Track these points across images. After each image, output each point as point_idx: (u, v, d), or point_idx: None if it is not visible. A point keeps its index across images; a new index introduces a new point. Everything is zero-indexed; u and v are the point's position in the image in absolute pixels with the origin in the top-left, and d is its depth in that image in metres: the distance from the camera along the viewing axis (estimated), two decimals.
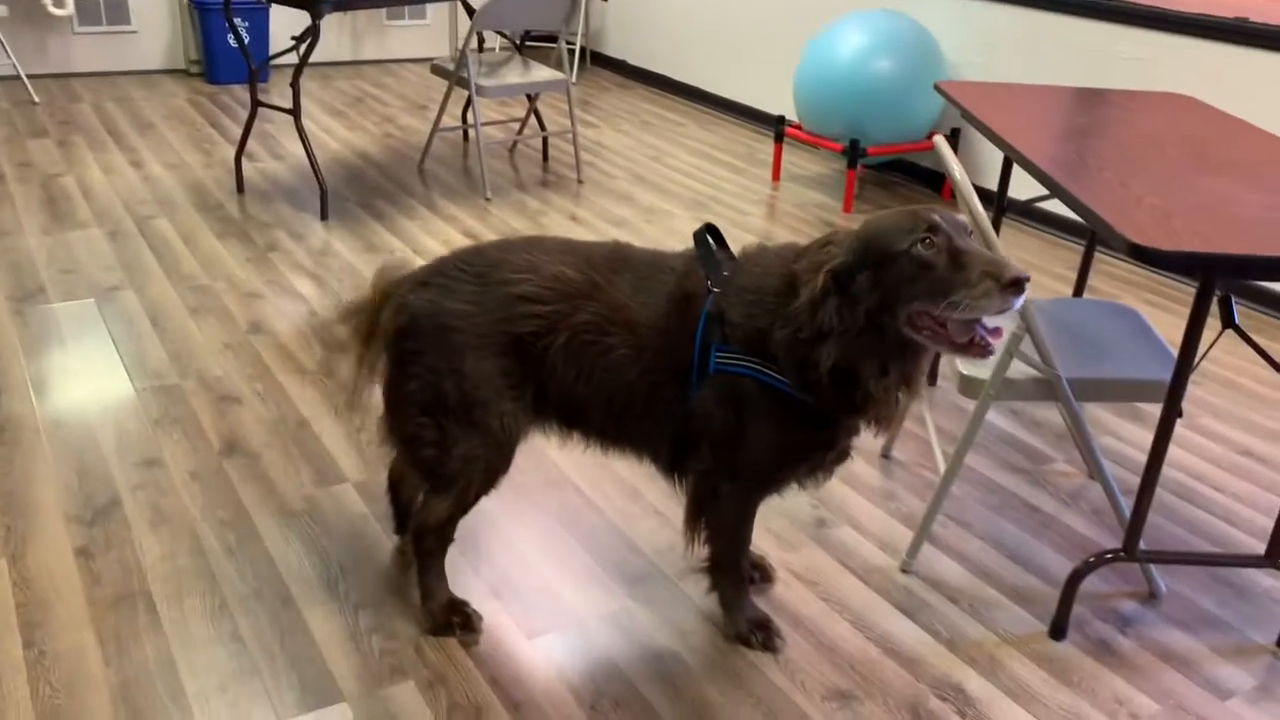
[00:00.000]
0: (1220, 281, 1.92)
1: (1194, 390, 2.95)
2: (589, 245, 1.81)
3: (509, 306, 1.71)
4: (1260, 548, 1.94)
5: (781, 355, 1.62)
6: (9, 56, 5.22)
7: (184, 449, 2.43)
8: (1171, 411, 1.79)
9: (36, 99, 5.25)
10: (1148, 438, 2.69)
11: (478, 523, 2.21)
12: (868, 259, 1.54)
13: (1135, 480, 2.49)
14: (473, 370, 1.71)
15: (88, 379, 2.70)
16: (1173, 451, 2.64)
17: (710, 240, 1.75)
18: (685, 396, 1.71)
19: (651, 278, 1.73)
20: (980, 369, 2.01)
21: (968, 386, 2.02)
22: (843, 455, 1.79)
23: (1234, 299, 1.91)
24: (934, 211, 1.53)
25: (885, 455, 2.57)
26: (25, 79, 5.27)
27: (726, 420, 1.70)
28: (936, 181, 4.64)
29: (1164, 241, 1.59)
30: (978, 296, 1.46)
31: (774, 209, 4.34)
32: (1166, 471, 2.55)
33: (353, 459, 2.42)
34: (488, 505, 2.25)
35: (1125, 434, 2.72)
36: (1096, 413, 2.82)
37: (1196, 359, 1.79)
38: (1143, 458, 2.59)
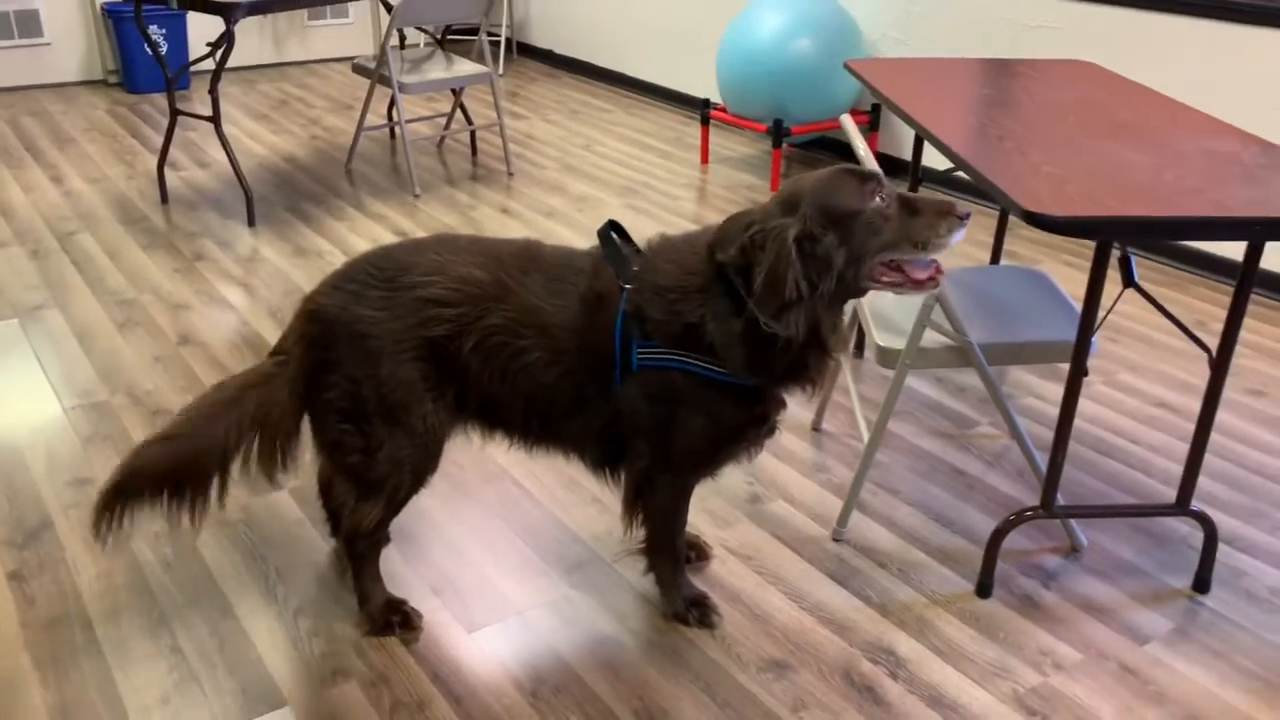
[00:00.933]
0: (1120, 242, 1.99)
1: (1112, 347, 3.04)
2: (499, 244, 1.82)
3: (419, 310, 1.72)
4: (1174, 496, 2.02)
5: (722, 342, 1.64)
6: None
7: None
8: (1077, 371, 1.85)
9: None
10: None
11: (415, 521, 2.23)
12: (829, 220, 1.57)
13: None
14: (389, 375, 1.72)
15: (13, 401, 2.67)
16: (1091, 408, 2.73)
17: (615, 237, 1.77)
18: (609, 395, 1.73)
19: (562, 278, 1.74)
20: (895, 339, 2.06)
21: (884, 357, 2.07)
22: (772, 428, 1.83)
23: (1141, 256, 1.97)
24: (858, 167, 1.62)
25: (815, 428, 2.63)
26: None
27: (657, 414, 1.73)
28: None
29: (1057, 208, 1.65)
30: (942, 234, 1.58)
31: (704, 192, 4.37)
32: (1085, 427, 2.63)
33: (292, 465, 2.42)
34: (425, 503, 2.27)
35: (1047, 393, 2.80)
36: (1019, 374, 2.90)
37: (1099, 319, 1.85)
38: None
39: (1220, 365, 1.86)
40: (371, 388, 1.73)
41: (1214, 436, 2.58)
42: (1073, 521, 2.14)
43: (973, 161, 1.87)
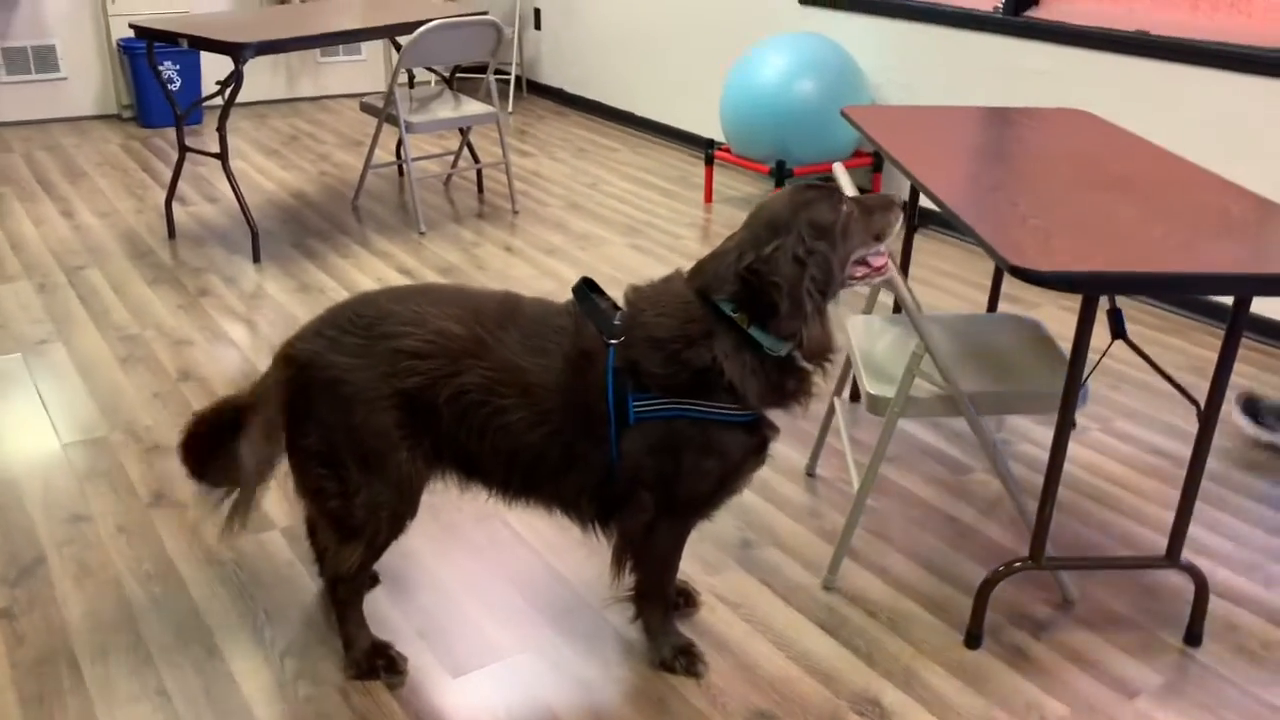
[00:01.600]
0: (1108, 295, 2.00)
1: (1109, 394, 3.03)
2: (480, 296, 1.83)
3: (393, 360, 1.72)
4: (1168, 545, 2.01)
5: (740, 379, 1.68)
6: None
7: (111, 502, 2.43)
8: (1064, 423, 1.85)
9: None
10: (1069, 445, 2.77)
11: (403, 562, 2.23)
12: (818, 233, 1.68)
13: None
14: (363, 423, 1.73)
15: (13, 436, 2.69)
16: (1086, 455, 2.72)
17: (589, 293, 1.78)
18: (603, 452, 1.74)
19: (542, 336, 1.75)
20: (886, 387, 2.07)
21: (875, 405, 2.08)
22: (764, 457, 1.86)
23: (1139, 301, 1.97)
24: (815, 183, 1.76)
25: (810, 473, 2.62)
26: None
27: (662, 464, 1.74)
28: None
29: (1042, 262, 1.66)
30: (892, 223, 1.79)
31: (707, 231, 4.40)
32: (1080, 475, 2.62)
33: (280, 505, 2.44)
34: (414, 543, 2.28)
35: (1044, 440, 2.80)
36: (1017, 420, 2.89)
37: (1088, 371, 1.85)
38: (1064, 465, 2.67)
39: (1208, 419, 1.86)
40: (345, 435, 1.74)
41: (1209, 486, 2.57)
42: (1063, 573, 2.13)
43: (961, 212, 1.88)
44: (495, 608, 2.12)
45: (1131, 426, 2.87)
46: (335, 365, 1.73)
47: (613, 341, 1.71)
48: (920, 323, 1.95)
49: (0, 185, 4.72)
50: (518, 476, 1.81)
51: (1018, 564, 2.00)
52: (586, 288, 1.79)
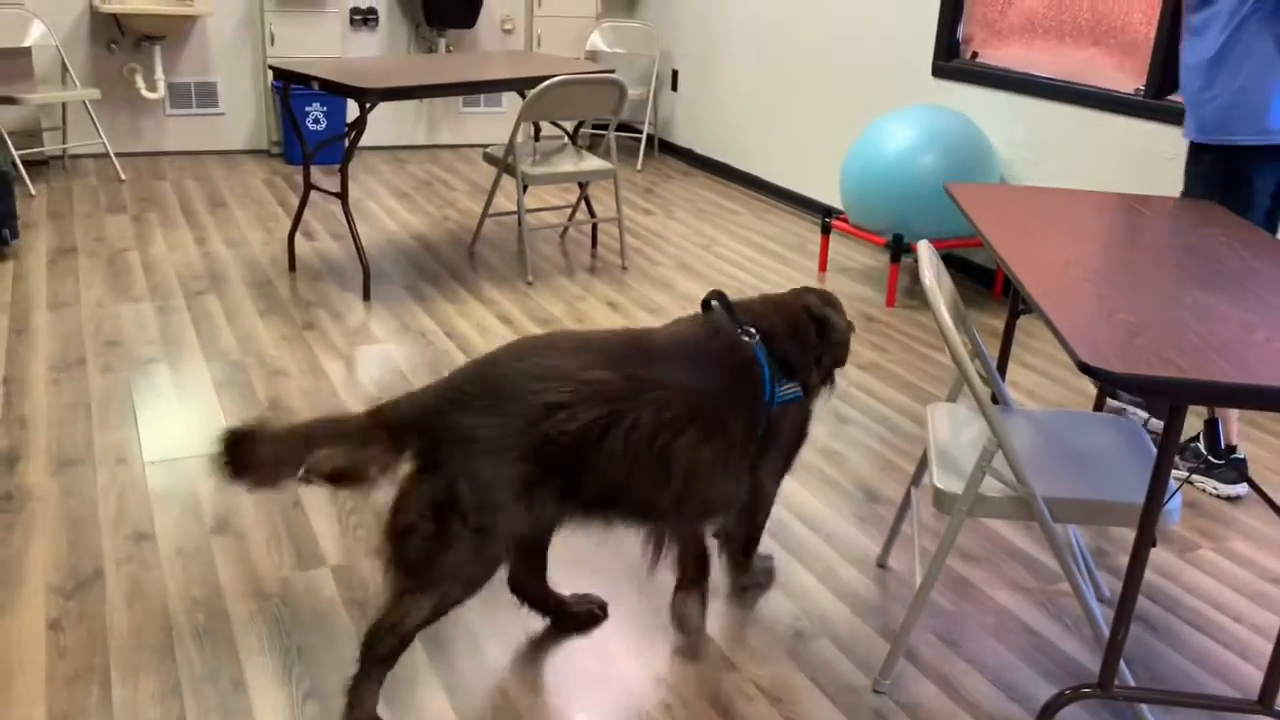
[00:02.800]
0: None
1: (1228, 510, 2.78)
2: (600, 338, 1.92)
3: (537, 415, 1.75)
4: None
5: (828, 369, 2.18)
6: (100, 136, 5.54)
7: (177, 524, 2.48)
8: (1143, 540, 1.68)
9: (124, 176, 5.55)
10: (1168, 559, 2.54)
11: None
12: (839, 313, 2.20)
13: (1150, 607, 2.35)
14: (490, 476, 1.74)
15: (103, 451, 2.78)
16: (1194, 577, 2.48)
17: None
18: (753, 440, 2.00)
19: (692, 356, 1.94)
20: (954, 482, 1.93)
21: (941, 501, 1.94)
22: None
23: None
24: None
25: (881, 564, 2.47)
26: (114, 157, 5.58)
27: (789, 437, 2.11)
28: (987, 278, 4.54)
29: (1118, 362, 1.51)
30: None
31: None
32: (1182, 598, 2.39)
33: (337, 542, 2.44)
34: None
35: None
36: (1121, 530, 2.67)
37: (1174, 488, 1.68)
38: (1165, 584, 2.45)
39: None
40: (468, 485, 1.74)
41: None
42: (1144, 706, 1.93)
43: (1040, 300, 1.74)
44: (527, 676, 2.05)
45: (1249, 549, 2.61)
46: (467, 425, 1.75)
47: (757, 343, 2.00)
48: (991, 415, 1.82)
49: (148, 210, 4.99)
50: (677, 493, 1.89)
51: (1085, 689, 1.82)
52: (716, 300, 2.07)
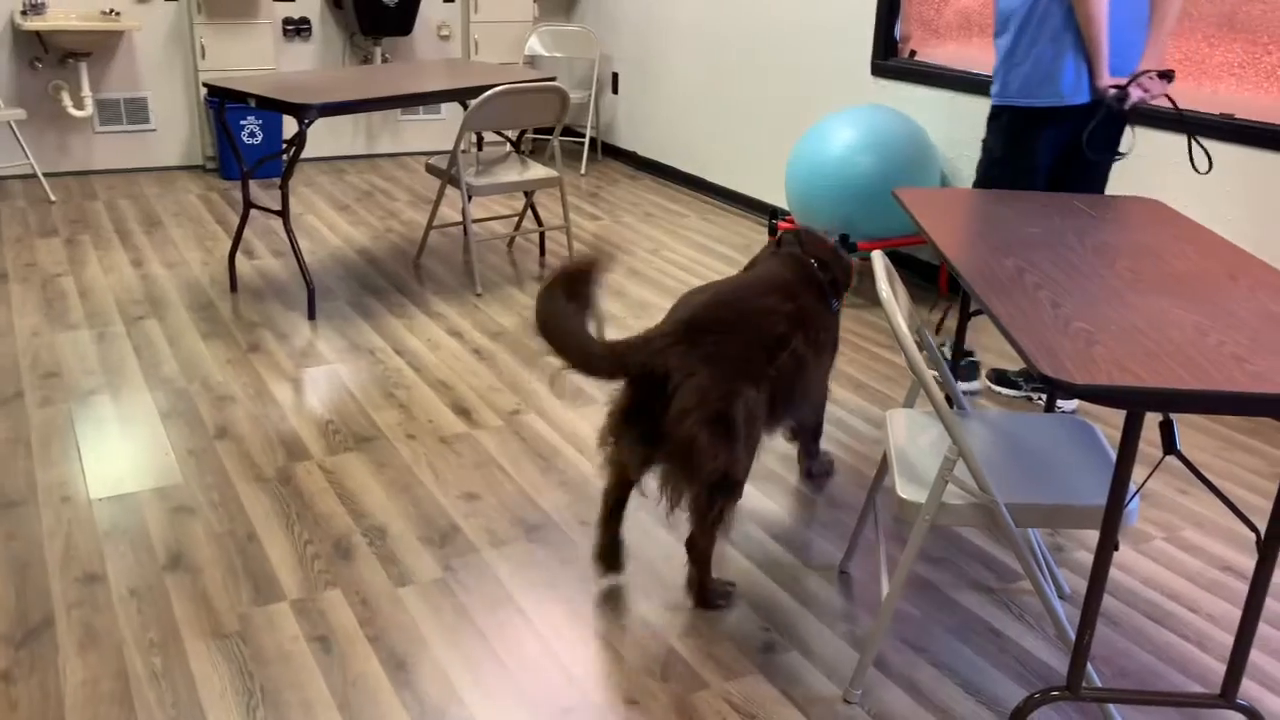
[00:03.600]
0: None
1: (1177, 499, 2.83)
2: (765, 279, 2.42)
3: (773, 344, 2.28)
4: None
5: (836, 287, 2.59)
6: (27, 157, 5.38)
7: (128, 563, 2.41)
8: (1106, 544, 1.70)
9: (53, 197, 5.40)
10: (1123, 552, 2.58)
11: (409, 643, 2.15)
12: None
13: (1108, 601, 2.38)
14: (754, 394, 2.21)
15: (46, 489, 2.70)
16: (1149, 568, 2.53)
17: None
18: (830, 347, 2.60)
19: (803, 286, 2.44)
20: (918, 492, 1.94)
21: (904, 510, 1.94)
22: None
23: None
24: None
25: (842, 570, 2.48)
26: (42, 178, 5.42)
27: (835, 343, 2.65)
28: (932, 273, 4.59)
29: (1079, 373, 1.53)
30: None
31: None
32: (1140, 590, 2.44)
33: (295, 575, 2.39)
34: (424, 626, 2.20)
35: None
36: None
37: (1134, 490, 1.70)
38: (1122, 577, 2.49)
39: (1269, 546, 1.69)
40: (743, 403, 2.17)
41: (1278, 608, 2.37)
42: (1111, 706, 1.95)
43: (998, 311, 1.76)
44: (496, 701, 2.02)
45: (1200, 537, 2.67)
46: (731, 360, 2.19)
47: (821, 269, 2.51)
48: (951, 423, 1.83)
49: (81, 232, 4.86)
50: (805, 392, 2.45)
51: (1054, 693, 1.84)
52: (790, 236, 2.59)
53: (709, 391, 2.11)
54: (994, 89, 3.18)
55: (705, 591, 2.31)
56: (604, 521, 2.38)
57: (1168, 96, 2.98)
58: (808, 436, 2.84)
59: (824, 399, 2.80)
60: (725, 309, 2.24)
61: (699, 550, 2.28)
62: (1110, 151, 3.17)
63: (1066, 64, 3.00)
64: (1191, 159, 2.95)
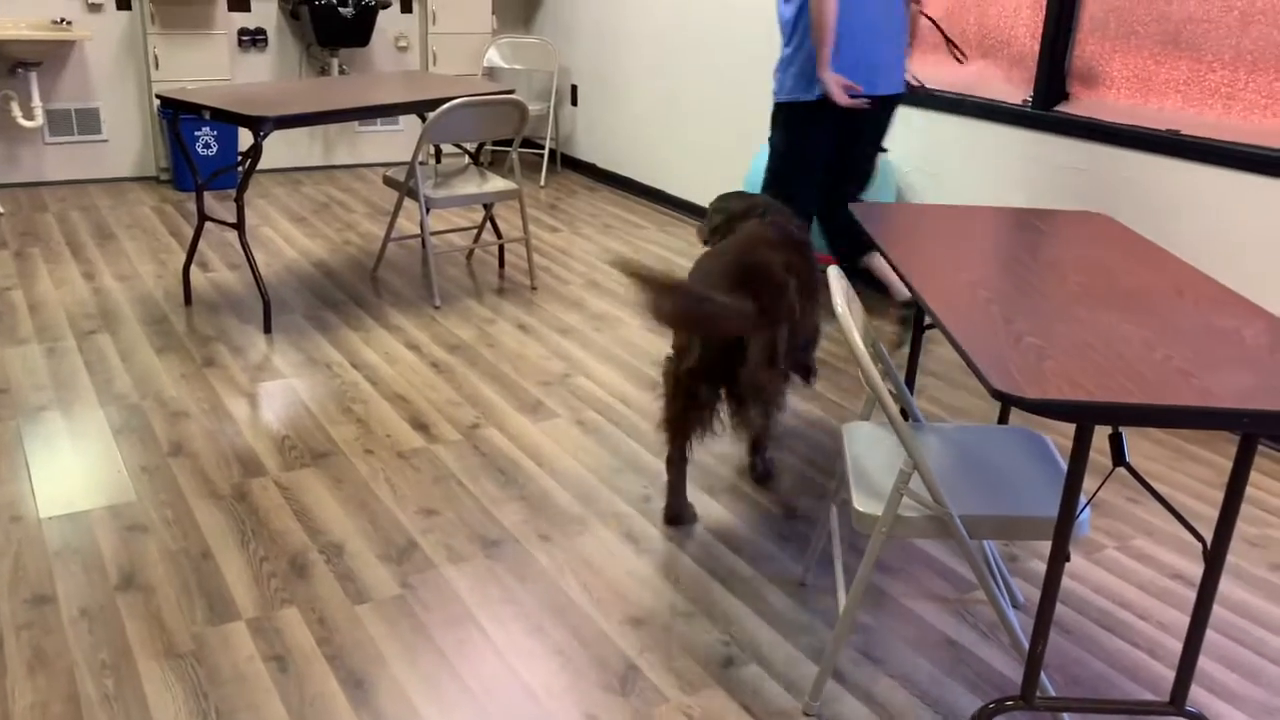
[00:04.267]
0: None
1: (1128, 508, 2.88)
2: (768, 237, 2.73)
3: (789, 293, 2.58)
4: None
5: None
6: None
7: (79, 583, 2.37)
8: (1058, 554, 1.73)
9: (2, 209, 5.31)
10: (1076, 561, 2.62)
11: (367, 661, 2.14)
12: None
13: (1061, 610, 2.41)
14: (784, 337, 2.57)
15: None
16: (1100, 576, 2.57)
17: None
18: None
19: (792, 243, 2.80)
20: (874, 504, 1.96)
21: (861, 522, 1.96)
22: None
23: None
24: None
25: (802, 583, 2.50)
26: None
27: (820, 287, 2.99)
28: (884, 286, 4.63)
29: (1030, 387, 1.55)
30: None
31: None
32: (1091, 599, 2.48)
33: (250, 593, 2.36)
34: (383, 645, 2.18)
35: None
36: None
37: (1084, 501, 1.74)
38: (1074, 586, 2.52)
39: (1215, 557, 1.73)
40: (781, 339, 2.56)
41: (1230, 617, 2.42)
42: (1064, 714, 1.98)
43: (950, 327, 1.78)
44: (454, 716, 2.01)
45: (1151, 546, 2.72)
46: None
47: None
48: (907, 438, 1.85)
49: (30, 245, 4.78)
50: (805, 333, 2.90)
51: (1009, 702, 1.86)
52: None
53: (772, 342, 2.49)
54: (774, 90, 3.64)
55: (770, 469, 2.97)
56: (677, 485, 2.71)
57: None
58: (805, 370, 3.08)
59: (819, 334, 3.11)
60: (756, 270, 2.54)
61: (763, 444, 2.98)
62: (876, 144, 3.74)
63: (838, 61, 3.49)
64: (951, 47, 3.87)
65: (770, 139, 3.70)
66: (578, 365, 3.73)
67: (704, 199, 5.73)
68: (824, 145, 3.62)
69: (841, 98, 3.45)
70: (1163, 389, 1.57)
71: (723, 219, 3.03)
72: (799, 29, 3.49)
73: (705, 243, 3.16)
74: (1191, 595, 2.50)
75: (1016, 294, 2.00)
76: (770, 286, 2.50)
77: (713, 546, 2.64)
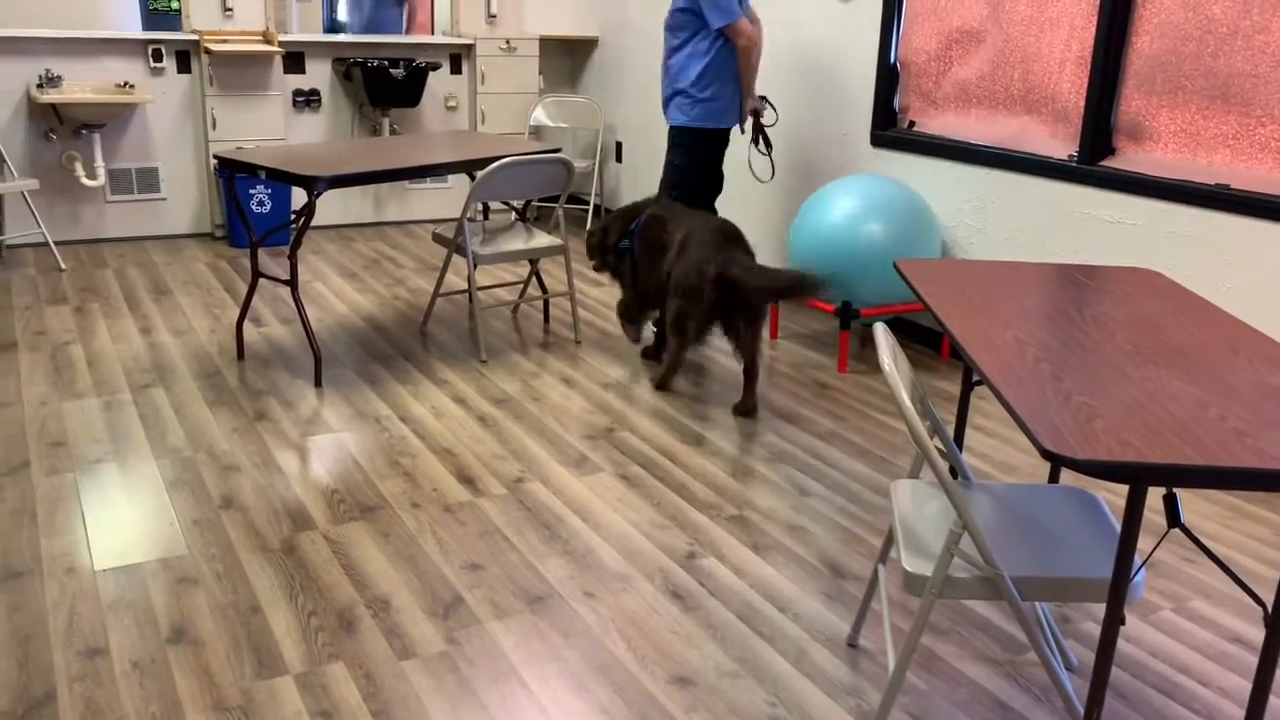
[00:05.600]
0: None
1: (1185, 569, 2.82)
2: (712, 220, 3.95)
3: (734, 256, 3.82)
4: None
5: None
6: (39, 225, 5.46)
7: (131, 636, 2.40)
8: (1112, 619, 1.69)
9: (64, 265, 5.47)
10: (1131, 623, 2.57)
11: (412, 717, 2.14)
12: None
13: (1117, 674, 2.36)
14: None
15: (51, 560, 2.70)
16: (1157, 639, 2.51)
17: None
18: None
19: (716, 221, 3.97)
20: (924, 564, 1.94)
21: (911, 583, 1.94)
22: None
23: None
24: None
25: (851, 644, 2.47)
26: (53, 246, 5.49)
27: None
28: (935, 339, 4.61)
29: (1080, 448, 1.54)
30: None
31: (771, 369, 4.32)
32: (1148, 663, 2.42)
33: (298, 648, 2.38)
34: (428, 698, 2.18)
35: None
36: None
37: (1139, 562, 1.71)
38: (1130, 649, 2.47)
39: (1276, 623, 1.68)
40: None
41: None
42: None
43: (999, 385, 1.77)
44: None
45: (1208, 608, 2.65)
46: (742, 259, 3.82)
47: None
48: (957, 498, 1.83)
49: (90, 300, 4.91)
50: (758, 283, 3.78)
51: None
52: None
53: (757, 286, 3.70)
54: (681, 118, 4.58)
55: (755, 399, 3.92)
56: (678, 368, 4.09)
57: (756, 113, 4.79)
58: (757, 351, 3.91)
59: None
60: (729, 231, 3.88)
61: (757, 362, 3.90)
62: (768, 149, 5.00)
63: (736, 100, 4.58)
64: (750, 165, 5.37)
65: (674, 160, 4.65)
66: (621, 419, 3.74)
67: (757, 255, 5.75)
68: (718, 164, 4.69)
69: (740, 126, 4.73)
70: (1217, 449, 1.55)
71: (619, 224, 4.18)
72: (708, 74, 4.47)
73: (603, 252, 4.25)
74: (1252, 660, 2.43)
75: (1065, 351, 1.98)
76: (739, 237, 3.88)
77: (758, 604, 2.61)
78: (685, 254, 3.80)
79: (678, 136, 4.61)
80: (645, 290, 4.09)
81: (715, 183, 4.72)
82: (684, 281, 3.78)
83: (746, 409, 3.86)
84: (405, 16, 6.86)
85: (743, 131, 4.84)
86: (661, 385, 4.05)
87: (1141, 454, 1.53)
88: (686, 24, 4.47)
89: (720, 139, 4.62)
